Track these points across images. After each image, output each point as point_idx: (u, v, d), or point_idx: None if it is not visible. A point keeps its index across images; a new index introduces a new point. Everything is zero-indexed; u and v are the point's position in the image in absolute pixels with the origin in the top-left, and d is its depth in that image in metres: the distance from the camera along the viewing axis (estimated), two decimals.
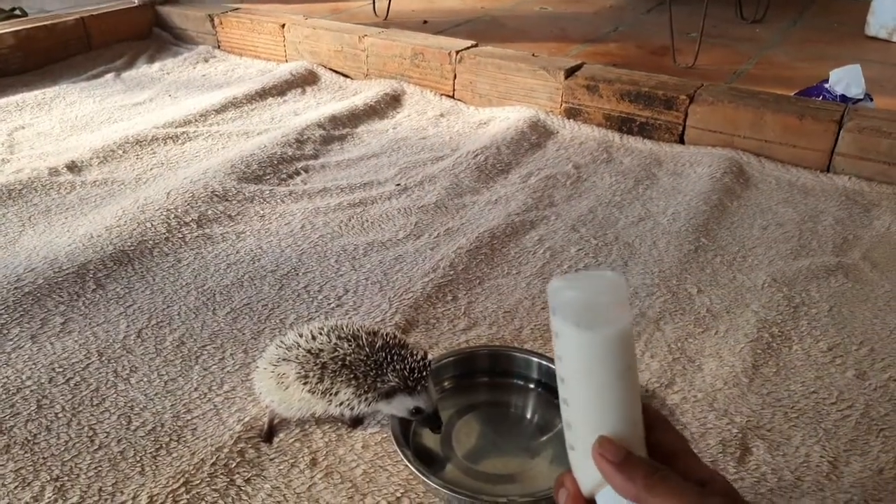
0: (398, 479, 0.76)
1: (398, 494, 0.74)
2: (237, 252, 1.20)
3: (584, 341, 0.44)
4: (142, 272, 1.13)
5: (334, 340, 0.78)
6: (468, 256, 1.17)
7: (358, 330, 0.79)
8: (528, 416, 0.85)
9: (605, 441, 0.44)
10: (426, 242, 1.23)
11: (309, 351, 0.77)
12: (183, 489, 0.74)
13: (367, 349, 0.76)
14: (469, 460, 0.79)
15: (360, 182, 1.44)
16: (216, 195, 1.37)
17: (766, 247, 1.21)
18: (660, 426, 0.47)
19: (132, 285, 1.10)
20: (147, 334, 0.99)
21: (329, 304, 1.06)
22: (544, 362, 0.88)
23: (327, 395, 0.76)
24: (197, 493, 0.74)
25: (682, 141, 1.61)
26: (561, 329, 0.45)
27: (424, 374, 0.76)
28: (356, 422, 0.83)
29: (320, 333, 0.79)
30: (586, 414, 0.46)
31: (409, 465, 0.73)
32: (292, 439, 0.81)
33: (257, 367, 0.82)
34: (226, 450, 0.79)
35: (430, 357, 0.78)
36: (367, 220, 1.30)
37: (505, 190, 1.43)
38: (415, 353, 0.77)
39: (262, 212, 1.34)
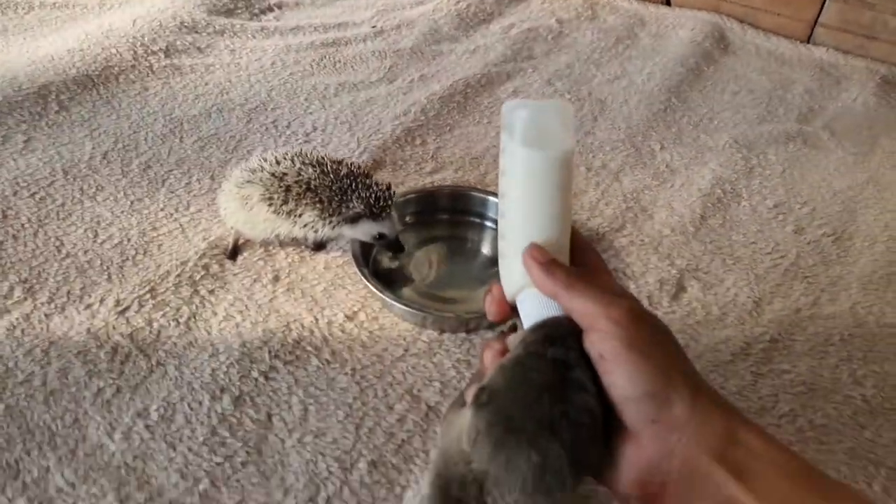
0: (356, 297, 0.80)
1: (355, 309, 0.79)
2: (206, 84, 1.19)
3: (530, 159, 0.48)
4: (107, 97, 1.12)
5: (298, 165, 0.79)
6: (440, 103, 1.17)
7: (322, 157, 0.81)
8: (482, 249, 0.90)
9: (534, 246, 0.48)
10: (399, 87, 1.22)
11: (273, 174, 0.79)
12: (149, 295, 0.78)
13: (332, 175, 0.78)
14: (424, 285, 0.83)
15: (335, 22, 1.41)
16: (185, 26, 1.33)
17: (733, 111, 1.22)
18: (584, 247, 0.51)
19: (97, 109, 1.09)
20: (113, 157, 1.00)
21: (297, 139, 1.07)
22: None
23: (291, 217, 0.79)
24: (162, 299, 0.78)
25: (668, 3, 1.58)
26: (509, 146, 0.49)
27: (389, 202, 0.78)
28: (319, 246, 0.86)
29: (284, 158, 0.80)
30: (522, 225, 0.49)
31: (367, 282, 0.77)
32: (256, 258, 0.85)
33: (222, 189, 0.84)
34: (190, 264, 0.83)
35: (393, 189, 0.80)
36: (340, 61, 1.28)
37: (484, 40, 1.40)
38: (379, 183, 0.79)
39: (232, 46, 1.31)
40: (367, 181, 0.79)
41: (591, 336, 0.44)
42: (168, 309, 0.77)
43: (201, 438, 0.64)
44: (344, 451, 0.64)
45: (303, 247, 0.86)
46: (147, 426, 0.65)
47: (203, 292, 0.80)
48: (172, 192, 0.94)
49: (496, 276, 0.84)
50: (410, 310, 0.75)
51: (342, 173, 0.79)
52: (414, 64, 1.29)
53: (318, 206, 0.78)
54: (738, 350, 0.77)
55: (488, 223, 0.92)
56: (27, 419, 0.65)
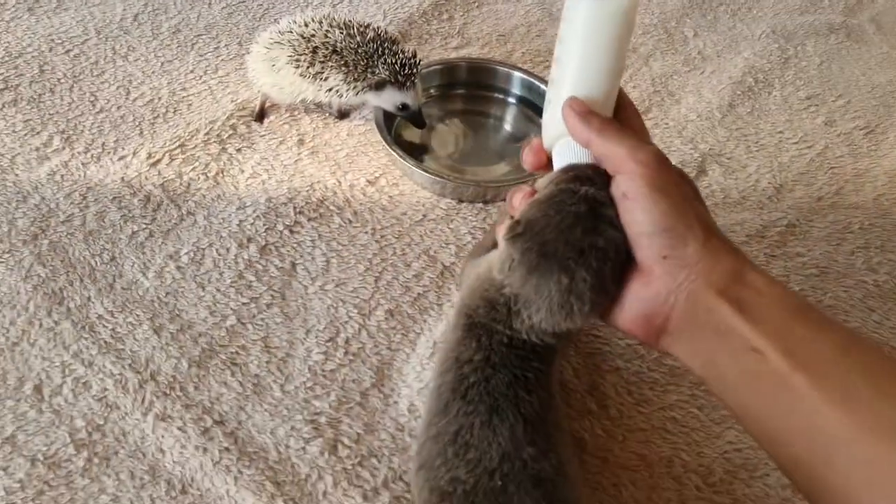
0: (377, 164, 0.82)
1: (377, 174, 0.81)
2: None
3: (591, 10, 0.48)
4: None
5: (325, 27, 0.79)
6: None
7: (349, 21, 0.80)
8: (505, 126, 0.90)
9: (574, 98, 0.49)
10: None
11: (301, 35, 0.79)
12: (179, 150, 0.81)
13: (359, 38, 0.78)
14: (444, 157, 0.85)
15: None
16: None
17: (775, 0, 1.18)
18: (627, 106, 0.52)
19: None
20: (143, 19, 1.00)
21: (323, 9, 1.05)
22: (526, 77, 0.90)
23: (317, 80, 0.79)
24: (192, 154, 0.81)
25: None
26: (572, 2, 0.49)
27: (414, 70, 0.78)
28: (343, 114, 0.87)
29: (313, 20, 0.80)
30: (573, 75, 0.50)
31: (389, 148, 0.79)
32: (282, 122, 0.86)
33: (250, 51, 0.85)
34: (219, 123, 0.84)
35: (419, 58, 0.80)
36: None
37: None
38: (406, 50, 0.79)
39: None
40: (394, 48, 0.78)
41: (617, 178, 0.47)
42: (197, 164, 0.80)
43: (228, 281, 0.68)
44: (363, 299, 0.68)
45: (327, 114, 0.87)
46: (178, 267, 0.69)
47: (231, 150, 0.82)
48: (202, 56, 0.95)
49: (516, 152, 0.86)
50: (431, 176, 0.77)
51: (368, 37, 0.78)
52: None
53: (343, 69, 0.78)
54: (753, 232, 0.78)
55: (511, 99, 0.92)
56: (69, 254, 0.69)
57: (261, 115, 0.86)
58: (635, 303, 0.46)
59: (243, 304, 0.67)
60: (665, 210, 0.44)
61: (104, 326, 0.64)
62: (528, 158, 0.55)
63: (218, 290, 0.68)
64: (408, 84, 0.78)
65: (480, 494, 0.45)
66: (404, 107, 0.80)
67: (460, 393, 0.48)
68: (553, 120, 0.51)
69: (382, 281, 0.70)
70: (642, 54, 1.03)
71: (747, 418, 0.43)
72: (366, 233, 0.74)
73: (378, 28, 0.80)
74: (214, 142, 0.82)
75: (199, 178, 0.78)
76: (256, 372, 0.62)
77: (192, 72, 0.92)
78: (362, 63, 0.77)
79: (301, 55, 0.78)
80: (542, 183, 0.51)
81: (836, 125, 0.94)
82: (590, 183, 0.47)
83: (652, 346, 0.47)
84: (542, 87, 0.89)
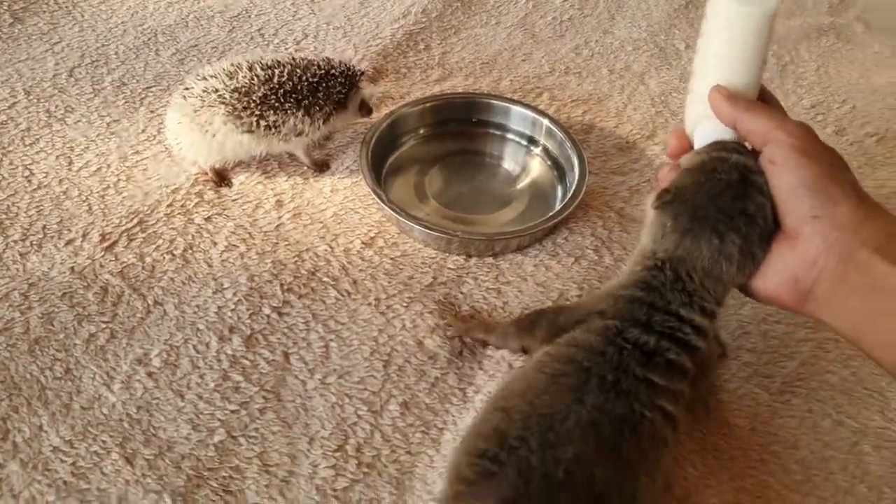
0: (370, 221, 0.72)
1: (372, 234, 0.71)
2: None
3: (737, 12, 0.51)
4: (67, 7, 0.99)
5: (261, 71, 0.70)
6: (443, 3, 1.05)
7: (272, 60, 0.72)
8: (504, 165, 0.81)
9: (721, 86, 0.51)
10: None
11: (236, 90, 0.69)
12: (137, 227, 0.70)
13: (301, 71, 0.71)
14: (443, 204, 0.75)
15: None
16: None
17: None
18: (772, 101, 0.54)
19: (57, 21, 0.96)
20: (81, 73, 0.88)
21: (287, 48, 0.95)
22: (526, 111, 0.82)
23: (272, 130, 0.70)
24: (154, 231, 0.69)
25: None
26: (719, 2, 0.52)
27: (357, 68, 0.75)
28: (321, 166, 0.77)
29: (238, 70, 0.70)
30: (716, 67, 0.52)
31: (383, 205, 0.69)
32: (254, 181, 0.76)
33: (166, 125, 0.75)
34: (182, 190, 0.74)
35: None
36: None
37: None
38: (335, 60, 0.74)
39: None
40: (327, 64, 0.73)
41: (765, 150, 0.48)
42: (161, 241, 0.69)
43: (212, 385, 0.57)
44: (372, 391, 0.58)
45: (304, 167, 0.77)
46: (149, 373, 0.58)
47: (199, 220, 0.71)
48: (153, 112, 0.84)
49: (520, 194, 0.78)
50: (433, 232, 0.67)
51: (303, 65, 0.72)
52: None
53: (302, 104, 0.71)
54: None
55: (510, 135, 0.83)
56: (11, 372, 0.57)
57: (222, 179, 0.75)
58: (782, 267, 0.47)
59: (232, 411, 0.56)
60: (815, 172, 0.45)
61: (62, 461, 0.52)
62: (671, 142, 0.56)
63: (200, 397, 0.57)
64: (361, 82, 0.75)
65: (537, 470, 0.43)
66: (362, 104, 0.77)
67: (576, 397, 0.46)
68: (695, 105, 0.54)
69: (393, 366, 0.60)
70: (637, 73, 0.95)
71: None
72: (368, 304, 0.64)
73: (294, 58, 0.73)
74: (179, 213, 0.71)
75: (164, 258, 0.67)
76: (255, 501, 0.51)
77: (143, 131, 0.81)
78: (319, 90, 0.72)
79: (244, 109, 0.69)
80: (687, 159, 0.53)
81: (846, 133, 0.89)
82: (738, 152, 0.49)
83: (798, 311, 0.47)
84: (545, 121, 0.80)
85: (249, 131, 0.70)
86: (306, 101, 0.71)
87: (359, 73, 0.75)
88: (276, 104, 0.70)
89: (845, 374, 0.63)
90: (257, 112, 0.70)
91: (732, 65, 0.52)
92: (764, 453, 0.57)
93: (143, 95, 0.86)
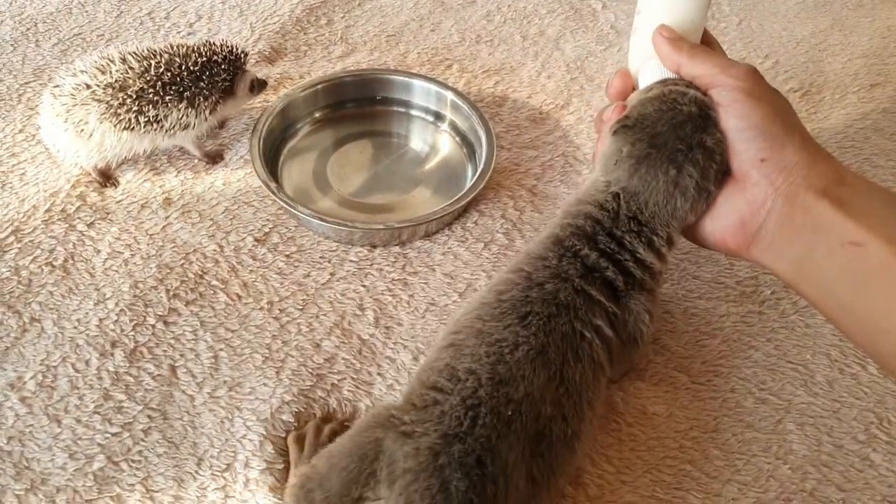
0: (265, 215, 0.68)
1: (266, 230, 0.67)
2: None
3: None
4: None
5: (136, 63, 0.65)
6: None
7: (147, 50, 0.67)
8: (411, 144, 0.77)
9: (666, 27, 0.51)
10: None
11: (109, 85, 0.64)
12: (13, 237, 0.64)
13: (180, 59, 0.66)
14: (346, 192, 0.71)
15: None
16: None
17: None
18: (714, 44, 0.54)
19: None
20: None
21: (179, 31, 0.89)
22: (430, 85, 0.78)
23: (154, 125, 0.66)
24: (30, 240, 0.64)
25: None
26: None
27: (239, 49, 0.70)
28: (213, 157, 0.73)
29: (110, 63, 0.66)
30: (660, 4, 0.52)
31: (276, 197, 0.65)
32: (141, 179, 0.71)
33: (39, 126, 0.70)
34: (62, 194, 0.68)
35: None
36: None
37: None
38: (218, 46, 0.70)
39: None
40: (205, 48, 0.68)
41: (711, 92, 0.48)
42: (39, 252, 0.64)
43: (92, 406, 0.53)
44: (262, 399, 0.54)
45: (196, 160, 0.73)
46: (23, 399, 0.54)
47: (81, 227, 0.66)
48: (32, 110, 0.77)
49: (429, 175, 0.74)
50: (332, 225, 0.63)
51: (183, 52, 0.67)
52: None
53: (184, 95, 0.66)
54: None
55: (414, 111, 0.79)
56: None
57: (106, 178, 0.70)
58: (730, 211, 0.47)
59: (113, 434, 0.52)
60: (763, 115, 0.45)
61: None
62: (614, 82, 0.55)
63: (78, 420, 0.53)
64: (246, 64, 0.71)
65: (486, 405, 0.42)
66: (254, 84, 0.72)
67: (520, 314, 0.46)
68: (639, 46, 0.54)
69: (286, 371, 0.56)
70: (551, 37, 0.92)
71: (843, 314, 0.44)
72: (260, 309, 0.60)
73: (172, 45, 0.68)
74: (59, 219, 0.66)
75: (42, 270, 0.62)
76: None
77: (21, 131, 0.75)
78: (202, 79, 0.67)
79: (121, 106, 0.64)
80: (635, 97, 0.52)
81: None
82: (693, 88, 0.49)
83: (742, 255, 0.48)
84: (450, 95, 0.76)
85: (129, 128, 0.65)
86: (189, 92, 0.66)
87: (243, 54, 0.70)
88: (156, 98, 0.65)
89: (769, 348, 0.61)
90: (135, 108, 0.65)
91: (677, 4, 0.51)
92: (683, 440, 0.55)
93: (21, 92, 0.80)
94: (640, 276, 0.49)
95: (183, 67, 0.66)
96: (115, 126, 0.65)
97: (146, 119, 0.65)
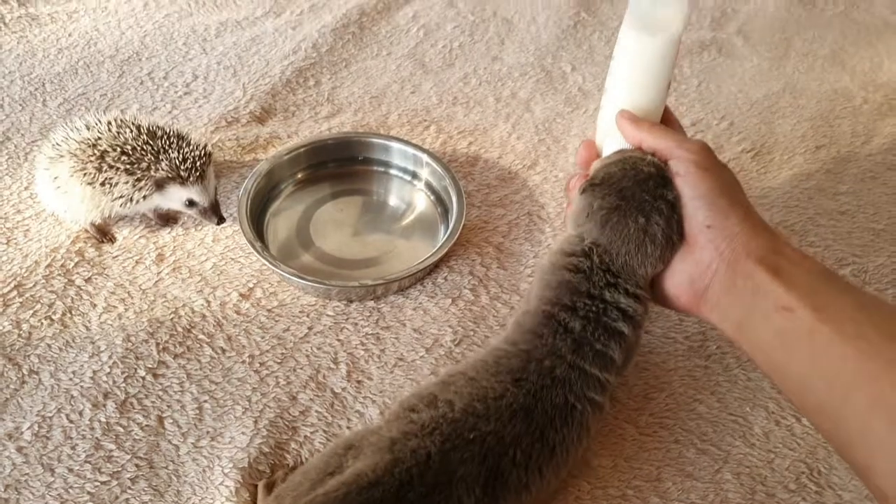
0: (250, 271, 0.74)
1: (250, 285, 0.72)
2: (69, 35, 1.05)
3: (637, 40, 0.55)
4: None
5: (115, 129, 0.71)
6: (334, 36, 1.07)
7: (138, 119, 0.73)
8: (389, 201, 0.83)
9: (627, 111, 0.57)
10: (287, 20, 1.11)
11: (86, 142, 0.70)
12: (15, 292, 0.70)
13: (145, 136, 0.71)
14: (327, 248, 0.77)
15: None
16: None
17: None
18: (674, 122, 0.60)
19: None
20: None
21: (176, 91, 0.96)
22: (405, 147, 0.84)
23: (107, 187, 0.70)
24: (31, 295, 0.70)
25: None
26: (625, 22, 0.57)
27: (198, 164, 0.71)
28: (166, 219, 0.78)
29: (99, 122, 0.72)
30: (623, 89, 0.57)
31: (260, 256, 0.70)
32: (137, 236, 0.76)
33: (34, 179, 0.76)
34: (62, 250, 0.74)
35: (209, 149, 0.73)
36: None
37: None
38: (196, 146, 0.72)
39: None
40: (181, 143, 0.71)
41: (669, 162, 0.54)
42: (39, 306, 0.69)
43: (83, 455, 0.58)
44: (240, 447, 0.59)
45: (186, 217, 0.78)
46: (19, 448, 0.59)
47: (79, 282, 0.72)
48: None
49: (407, 229, 0.80)
50: (311, 283, 0.69)
51: (158, 134, 0.71)
52: None
53: (131, 172, 0.70)
54: None
55: (393, 171, 0.85)
56: None
57: (104, 234, 0.76)
58: (682, 270, 0.52)
59: (102, 483, 0.57)
60: (710, 186, 0.51)
61: None
62: (581, 152, 0.62)
63: (70, 469, 0.57)
64: (191, 178, 0.71)
65: (451, 424, 0.48)
66: (192, 203, 0.72)
67: (515, 377, 0.51)
68: (604, 121, 0.59)
69: (263, 421, 0.61)
70: (522, 99, 0.98)
71: (777, 372, 0.48)
72: (242, 362, 0.65)
73: (170, 127, 0.73)
74: (59, 275, 0.72)
75: (42, 323, 0.68)
76: None
77: (27, 188, 0.81)
78: (146, 160, 0.70)
79: (87, 162, 0.70)
80: (596, 164, 0.57)
81: (723, 151, 0.92)
82: (650, 155, 0.55)
83: (694, 312, 0.53)
84: (425, 157, 0.82)
85: (91, 185, 0.70)
86: (134, 169, 0.70)
87: (187, 169, 0.70)
88: (113, 162, 0.69)
89: (712, 401, 0.65)
90: (96, 166, 0.69)
91: (638, 88, 0.57)
92: (626, 488, 0.59)
93: (27, 150, 0.86)
94: (627, 331, 0.53)
95: (145, 143, 0.70)
96: (81, 180, 0.70)
97: (102, 179, 0.70)
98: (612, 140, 0.58)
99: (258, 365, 0.65)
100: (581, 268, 0.53)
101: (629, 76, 0.57)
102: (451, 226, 0.75)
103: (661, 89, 0.57)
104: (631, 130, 0.56)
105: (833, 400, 0.44)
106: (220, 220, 0.74)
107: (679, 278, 0.53)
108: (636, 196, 0.52)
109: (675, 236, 0.52)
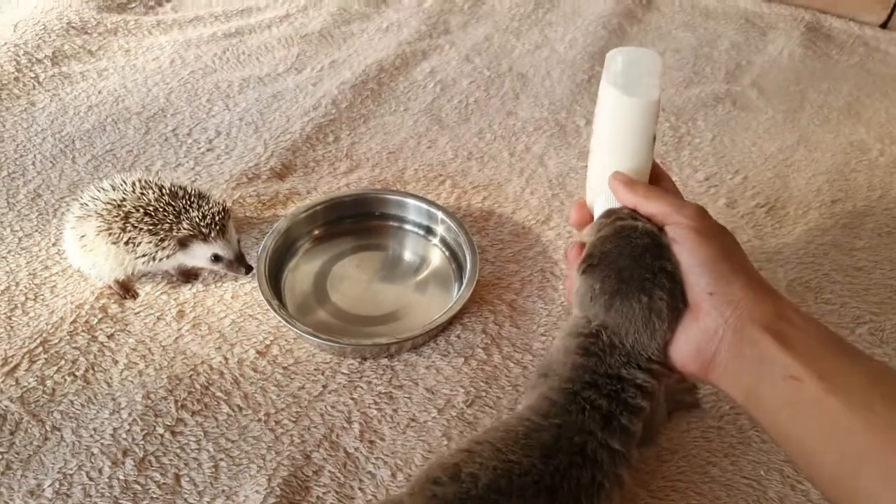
0: (267, 327, 0.75)
1: (267, 342, 0.74)
2: (99, 93, 1.09)
3: (618, 102, 0.55)
4: None
5: (139, 190, 0.74)
6: (353, 92, 1.10)
7: (162, 180, 0.76)
8: (404, 256, 0.85)
9: (619, 172, 0.56)
10: (308, 77, 1.14)
11: (111, 202, 0.73)
12: (40, 349, 0.72)
13: (167, 197, 0.73)
14: (343, 304, 0.78)
15: (237, 9, 1.31)
16: (73, 27, 1.22)
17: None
18: (661, 176, 0.59)
19: None
20: None
21: (199, 147, 0.99)
22: (420, 204, 0.86)
23: (130, 246, 0.73)
24: (56, 351, 0.72)
25: None
26: (605, 85, 0.56)
27: (217, 219, 0.74)
28: (187, 276, 0.80)
29: (124, 183, 0.75)
30: (608, 150, 0.57)
31: (276, 314, 0.72)
32: (159, 292, 0.79)
33: (63, 237, 0.79)
34: (87, 307, 0.76)
35: (228, 205, 0.76)
36: (244, 53, 1.19)
37: (397, 15, 1.32)
38: (215, 203, 0.75)
39: (126, 45, 1.21)
40: (200, 202, 0.74)
41: (666, 228, 0.53)
42: (63, 362, 0.71)
43: None
44: None
45: (206, 273, 0.80)
46: None
47: (102, 338, 0.74)
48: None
49: (422, 284, 0.81)
50: (326, 342, 0.70)
51: (180, 195, 0.74)
52: (323, 49, 1.21)
53: (154, 232, 0.73)
54: None
55: (408, 226, 0.87)
56: None
57: (126, 291, 0.78)
58: (688, 338, 0.51)
59: None
60: (711, 253, 0.50)
61: None
62: (573, 214, 0.62)
63: None
64: (213, 234, 0.73)
65: (473, 500, 0.48)
66: (217, 258, 0.75)
67: (544, 453, 0.50)
68: (592, 179, 0.60)
69: (277, 479, 0.62)
70: (536, 154, 1.00)
71: (788, 442, 0.47)
72: (258, 420, 0.67)
73: (192, 187, 0.76)
74: (83, 331, 0.74)
75: (65, 380, 0.70)
76: None
77: (54, 244, 0.84)
78: (168, 220, 0.73)
79: (112, 222, 0.73)
80: (588, 231, 0.57)
81: (737, 206, 0.93)
82: (640, 220, 0.54)
83: (704, 379, 0.51)
84: (440, 213, 0.84)
85: (115, 243, 0.73)
86: (157, 229, 0.73)
87: (208, 226, 0.73)
88: (137, 223, 0.72)
89: (725, 464, 0.65)
90: (121, 226, 0.72)
91: (623, 148, 0.56)
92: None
93: (56, 206, 0.89)
94: (643, 404, 0.53)
95: (167, 204, 0.73)
96: (107, 238, 0.73)
97: (126, 239, 0.73)
98: (601, 200, 0.58)
99: (273, 423, 0.66)
100: (593, 350, 0.53)
101: (612, 135, 0.57)
102: (464, 282, 0.77)
103: (646, 148, 0.56)
104: (625, 195, 0.55)
105: (845, 474, 0.44)
106: (248, 269, 0.76)
107: (687, 346, 0.52)
108: (635, 275, 0.51)
109: (679, 304, 0.51)
